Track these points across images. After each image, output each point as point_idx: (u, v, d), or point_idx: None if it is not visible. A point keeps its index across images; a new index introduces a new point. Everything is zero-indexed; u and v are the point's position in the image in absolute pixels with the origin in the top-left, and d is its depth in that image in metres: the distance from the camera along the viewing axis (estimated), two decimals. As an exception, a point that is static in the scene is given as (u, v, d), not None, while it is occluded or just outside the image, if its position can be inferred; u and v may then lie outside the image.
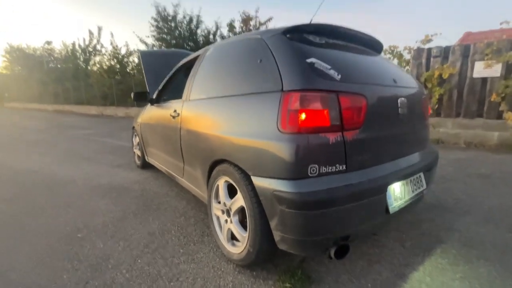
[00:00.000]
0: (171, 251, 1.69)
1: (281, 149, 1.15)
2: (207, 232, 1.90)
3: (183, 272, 1.48)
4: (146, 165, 3.49)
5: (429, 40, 5.25)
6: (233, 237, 1.57)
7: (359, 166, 1.25)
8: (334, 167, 1.17)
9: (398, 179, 1.39)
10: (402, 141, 1.54)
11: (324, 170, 1.15)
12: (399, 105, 1.44)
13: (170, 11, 12.78)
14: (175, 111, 2.16)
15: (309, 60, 1.25)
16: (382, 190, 1.28)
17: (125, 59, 15.38)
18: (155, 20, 12.86)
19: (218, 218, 1.68)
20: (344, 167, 1.19)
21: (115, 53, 15.36)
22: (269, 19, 12.24)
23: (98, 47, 17.61)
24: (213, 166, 1.64)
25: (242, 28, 12.29)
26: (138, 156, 3.65)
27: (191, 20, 13.00)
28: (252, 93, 1.39)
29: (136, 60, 14.92)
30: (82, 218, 2.16)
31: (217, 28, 13.15)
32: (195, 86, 2.00)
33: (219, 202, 1.64)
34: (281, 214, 1.17)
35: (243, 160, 1.36)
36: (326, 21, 1.52)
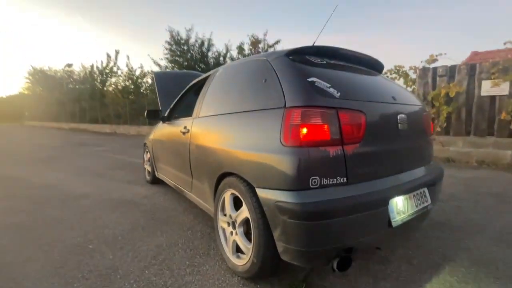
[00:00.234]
0: (178, 263, 1.72)
1: (284, 161, 1.22)
2: (213, 246, 1.93)
3: (188, 284, 1.51)
4: (155, 181, 3.59)
5: (434, 60, 5.34)
6: (238, 250, 1.60)
7: (360, 179, 1.29)
8: (335, 179, 1.22)
9: (400, 193, 1.42)
10: (404, 156, 1.58)
11: (325, 182, 1.20)
12: (398, 121, 1.50)
13: (183, 35, 13.41)
14: (185, 127, 2.28)
15: (310, 79, 1.34)
16: (383, 203, 1.31)
17: (139, 80, 16.11)
18: (169, 43, 13.50)
19: (224, 230, 1.72)
20: (345, 180, 1.23)
21: (130, 74, 16.17)
22: (277, 42, 12.62)
23: (115, 69, 18.57)
24: (220, 179, 1.71)
25: (251, 50, 12.72)
26: (149, 171, 3.76)
27: (202, 43, 13.57)
28: (257, 110, 1.49)
29: (150, 81, 15.59)
30: (93, 230, 2.24)
31: (227, 50, 13.62)
32: (205, 104, 2.12)
33: (225, 215, 1.68)
34: (283, 224, 1.21)
35: (248, 172, 1.42)
36: (332, 43, 1.65)
